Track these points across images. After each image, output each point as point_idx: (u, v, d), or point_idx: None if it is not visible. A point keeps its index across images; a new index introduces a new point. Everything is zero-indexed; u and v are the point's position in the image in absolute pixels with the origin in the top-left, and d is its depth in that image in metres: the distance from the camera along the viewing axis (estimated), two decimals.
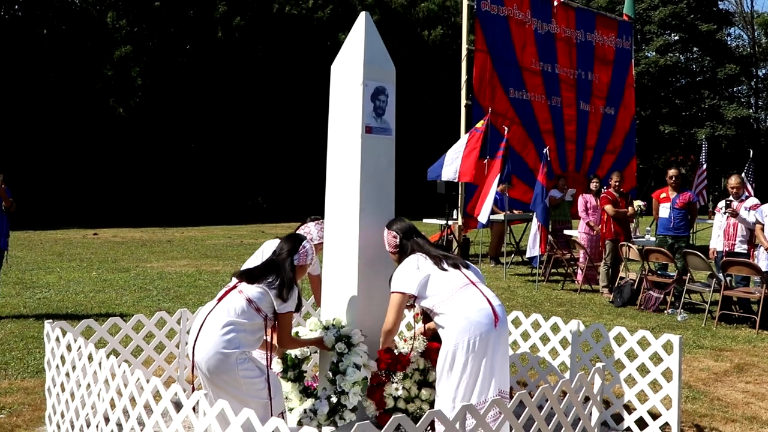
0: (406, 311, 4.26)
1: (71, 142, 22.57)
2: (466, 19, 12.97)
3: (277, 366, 3.82)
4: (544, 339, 4.72)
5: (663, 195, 8.80)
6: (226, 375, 3.23)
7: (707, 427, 4.40)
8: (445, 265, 3.50)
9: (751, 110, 36.60)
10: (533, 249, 9.77)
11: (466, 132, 11.84)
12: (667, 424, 4.01)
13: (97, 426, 3.50)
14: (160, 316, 4.60)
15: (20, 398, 4.70)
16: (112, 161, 23.46)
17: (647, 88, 31.68)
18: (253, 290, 3.38)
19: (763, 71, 39.95)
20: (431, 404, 3.65)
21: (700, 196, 13.95)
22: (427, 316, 3.69)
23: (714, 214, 9.24)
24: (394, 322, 3.50)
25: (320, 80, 14.03)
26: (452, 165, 10.42)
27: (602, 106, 14.81)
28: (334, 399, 3.60)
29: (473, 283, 3.44)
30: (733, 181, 8.39)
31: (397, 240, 3.66)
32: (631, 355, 4.28)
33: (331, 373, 3.65)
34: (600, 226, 9.72)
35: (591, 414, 3.40)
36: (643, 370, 4.20)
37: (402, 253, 3.63)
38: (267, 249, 4.20)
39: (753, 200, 8.32)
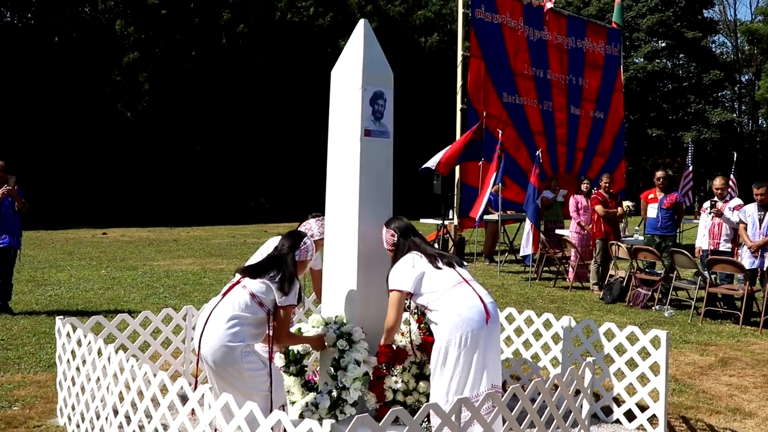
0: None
1: (81, 145, 22.68)
2: (461, 27, 13.18)
3: (279, 360, 3.90)
4: (537, 335, 4.82)
5: (651, 196, 8.94)
6: (230, 367, 3.30)
7: (693, 419, 4.51)
8: (440, 264, 3.56)
9: (734, 114, 37.31)
10: (526, 248, 9.98)
11: (462, 135, 12.11)
12: (654, 416, 4.13)
13: (106, 418, 3.59)
14: (166, 313, 4.67)
15: (33, 391, 4.78)
16: (120, 163, 23.55)
17: (636, 93, 31.99)
18: (256, 285, 3.45)
19: (746, 77, 40.66)
20: (428, 397, 3.72)
21: (687, 197, 14.15)
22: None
23: (700, 214, 9.38)
24: (395, 319, 3.59)
25: (321, 85, 14.14)
26: (436, 158, 11.36)
27: (592, 110, 14.97)
28: (335, 393, 3.69)
29: (466, 281, 3.50)
30: (717, 182, 8.51)
31: (395, 238, 3.71)
32: (620, 349, 4.39)
33: (332, 369, 3.73)
34: (590, 226, 9.87)
35: (582, 406, 3.47)
36: (631, 364, 4.31)
37: (398, 251, 3.68)
38: (269, 246, 4.25)
39: (736, 201, 8.53)
